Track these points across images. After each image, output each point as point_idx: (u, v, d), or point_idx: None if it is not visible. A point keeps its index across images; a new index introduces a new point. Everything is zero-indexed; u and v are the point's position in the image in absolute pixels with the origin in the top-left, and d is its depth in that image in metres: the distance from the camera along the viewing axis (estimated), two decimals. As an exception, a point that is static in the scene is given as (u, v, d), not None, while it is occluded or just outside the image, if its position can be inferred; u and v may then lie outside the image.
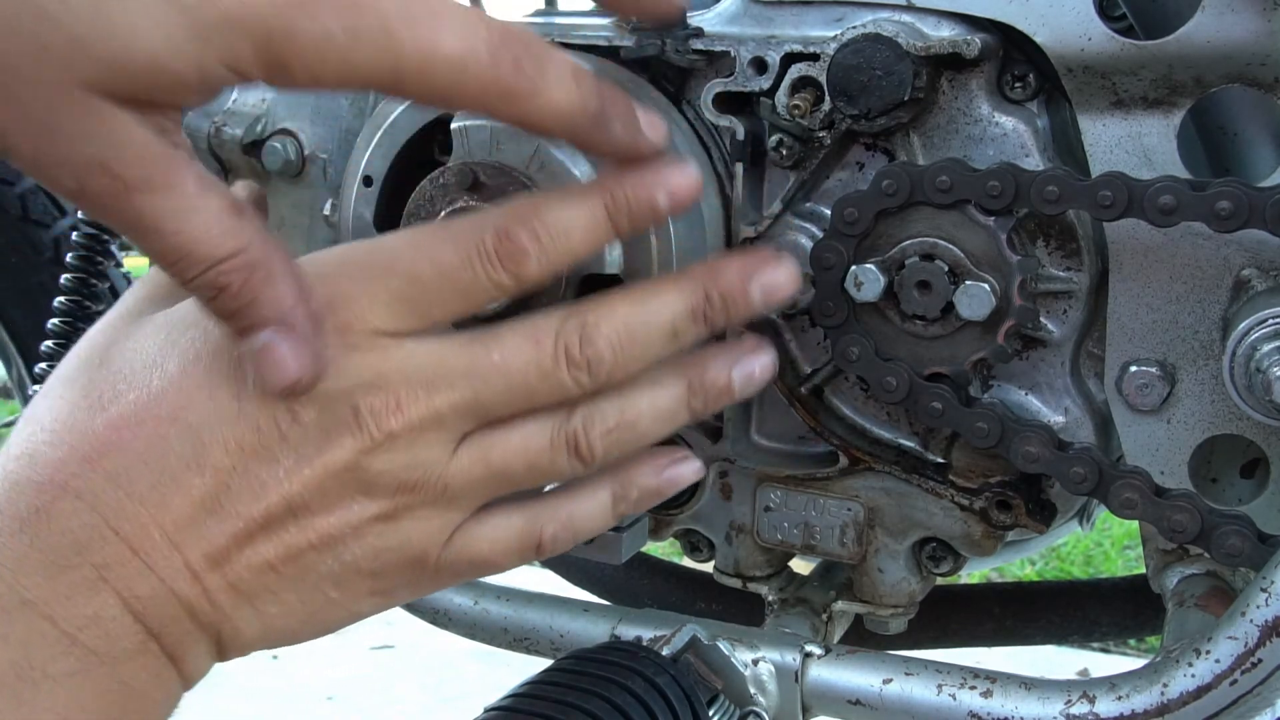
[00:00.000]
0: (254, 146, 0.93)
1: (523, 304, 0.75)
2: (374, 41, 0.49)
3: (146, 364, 0.55)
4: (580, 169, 0.74)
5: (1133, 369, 0.74)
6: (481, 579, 0.96)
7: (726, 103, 0.78)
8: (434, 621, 0.97)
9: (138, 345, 0.56)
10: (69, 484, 0.52)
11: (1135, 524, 0.75)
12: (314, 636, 0.60)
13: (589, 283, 0.76)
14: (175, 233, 0.51)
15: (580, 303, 0.59)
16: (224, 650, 0.57)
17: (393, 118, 0.78)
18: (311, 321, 0.54)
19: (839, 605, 0.87)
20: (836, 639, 0.91)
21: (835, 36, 0.74)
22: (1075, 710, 0.72)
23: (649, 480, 0.63)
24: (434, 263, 0.56)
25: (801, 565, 0.93)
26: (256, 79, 0.50)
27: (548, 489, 0.63)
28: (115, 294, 1.69)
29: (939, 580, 0.86)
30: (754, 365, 0.63)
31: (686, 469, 0.64)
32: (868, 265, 0.74)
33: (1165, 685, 0.69)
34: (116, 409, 0.54)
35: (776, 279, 0.62)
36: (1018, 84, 0.75)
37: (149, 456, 0.53)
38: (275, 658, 2.57)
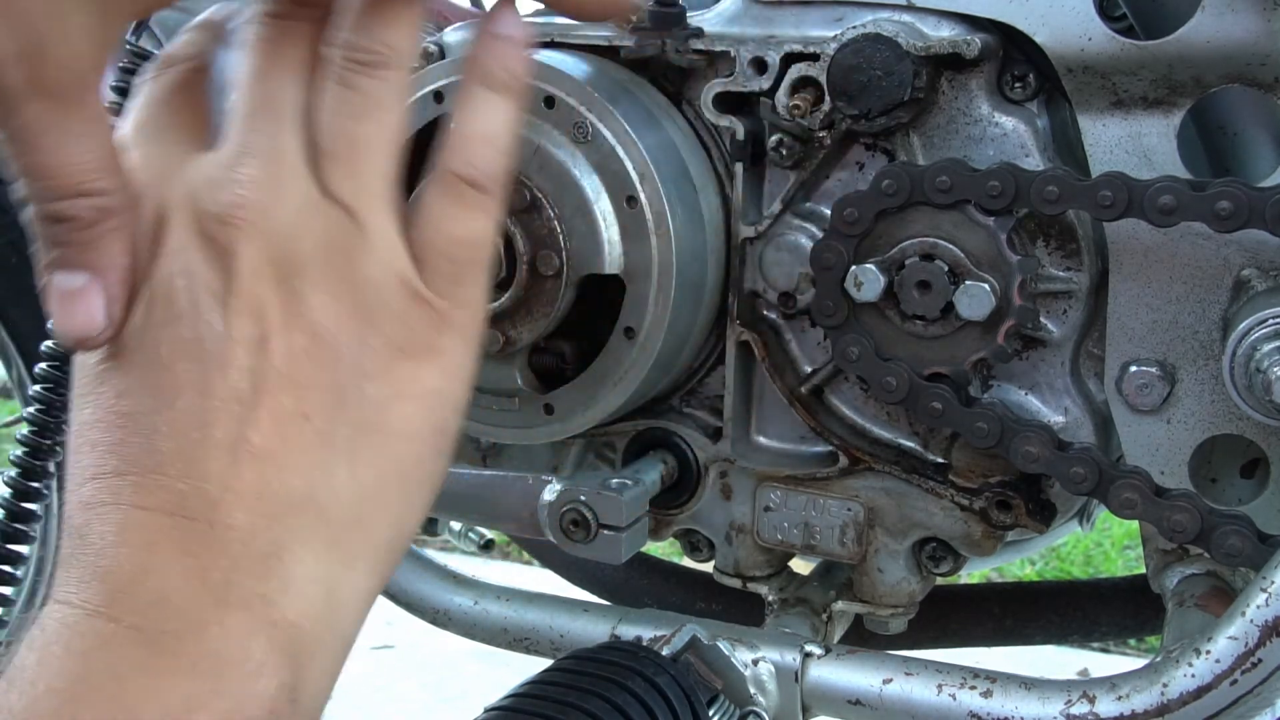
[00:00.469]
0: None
1: (522, 303, 0.75)
2: None
3: (81, 395, 0.54)
4: (579, 168, 0.74)
5: (1133, 369, 0.74)
6: (481, 580, 0.96)
7: (726, 103, 0.78)
8: (434, 621, 0.97)
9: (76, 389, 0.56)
10: (88, 502, 0.51)
11: (1135, 524, 0.75)
12: (423, 464, 0.55)
13: (589, 283, 0.76)
14: (57, 150, 0.50)
15: None
16: (339, 543, 0.52)
17: (393, 118, 0.78)
18: (126, 288, 0.53)
19: (839, 605, 0.87)
20: (836, 639, 0.91)
21: (835, 36, 0.74)
22: (1075, 710, 0.72)
23: (498, 45, 0.60)
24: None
25: (801, 565, 0.93)
26: None
27: None
28: (115, 294, 1.69)
29: (939, 580, 0.86)
30: None
31: (508, 14, 0.60)
32: (868, 265, 0.74)
33: (1165, 685, 0.69)
34: (93, 433, 0.53)
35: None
36: (1018, 84, 0.75)
37: (124, 439, 0.51)
38: (275, 658, 2.57)
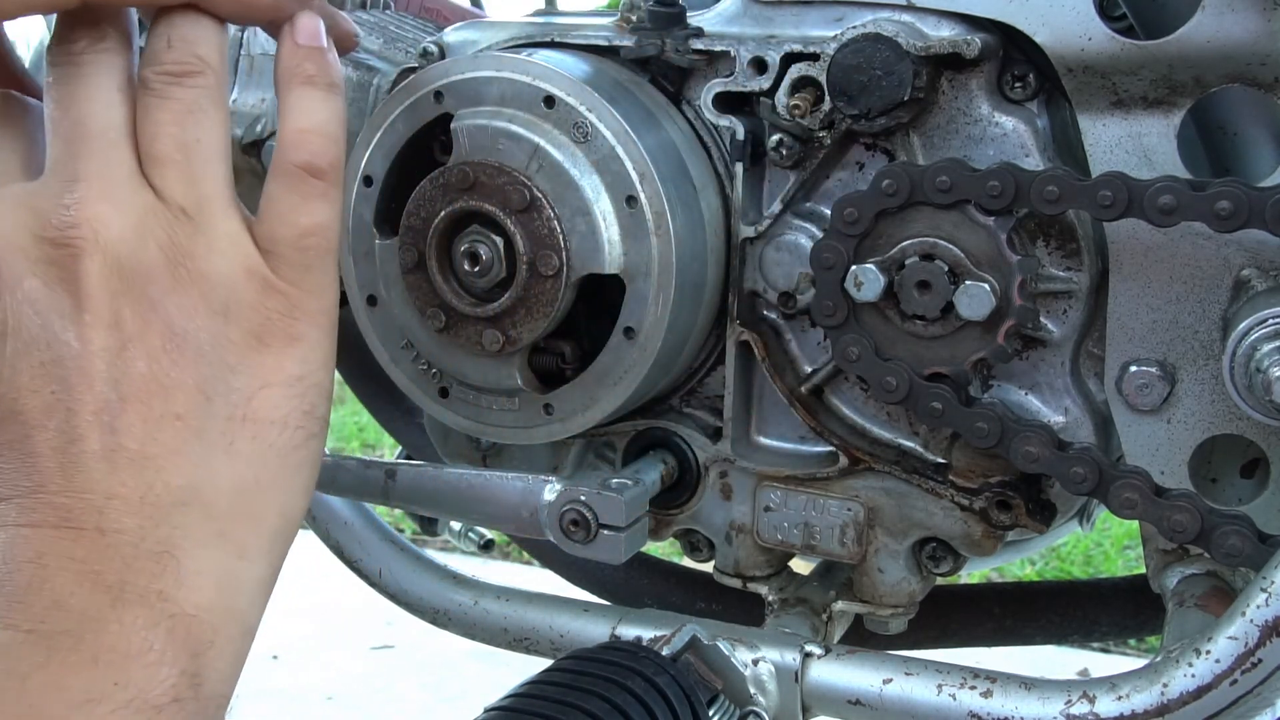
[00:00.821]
0: (254, 146, 0.93)
1: (522, 303, 0.75)
2: None
3: None
4: (579, 168, 0.74)
5: (1133, 369, 0.74)
6: (481, 580, 0.96)
7: (726, 103, 0.78)
8: (434, 621, 0.97)
9: None
10: None
11: (1135, 524, 0.75)
12: (300, 451, 0.57)
13: (589, 283, 0.76)
14: None
15: None
16: (229, 539, 0.54)
17: (392, 117, 0.78)
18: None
19: (839, 605, 0.87)
20: (836, 639, 0.91)
21: (835, 36, 0.74)
22: (1075, 710, 0.72)
23: (310, 51, 0.63)
24: None
25: (801, 565, 0.93)
26: None
27: None
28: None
29: (939, 580, 0.86)
30: None
31: (307, 19, 0.64)
32: (868, 265, 0.74)
33: (1165, 685, 0.69)
34: None
35: None
36: (1018, 84, 0.75)
37: (3, 462, 0.53)
38: (275, 658, 2.57)
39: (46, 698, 0.50)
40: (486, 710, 0.69)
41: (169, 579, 0.52)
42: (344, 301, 0.79)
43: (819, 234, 0.78)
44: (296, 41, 0.62)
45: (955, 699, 0.75)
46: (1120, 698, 0.71)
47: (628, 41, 0.79)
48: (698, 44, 0.78)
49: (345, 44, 0.67)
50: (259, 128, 0.93)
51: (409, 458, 1.15)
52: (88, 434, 0.52)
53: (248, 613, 0.55)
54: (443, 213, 0.75)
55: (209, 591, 0.54)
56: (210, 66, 0.59)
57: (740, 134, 0.78)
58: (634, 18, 0.79)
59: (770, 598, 0.89)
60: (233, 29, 0.96)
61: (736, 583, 0.88)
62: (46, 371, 0.53)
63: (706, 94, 0.78)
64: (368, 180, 0.79)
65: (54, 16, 0.58)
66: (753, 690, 0.77)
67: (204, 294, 0.55)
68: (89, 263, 0.53)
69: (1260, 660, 0.67)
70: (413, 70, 0.82)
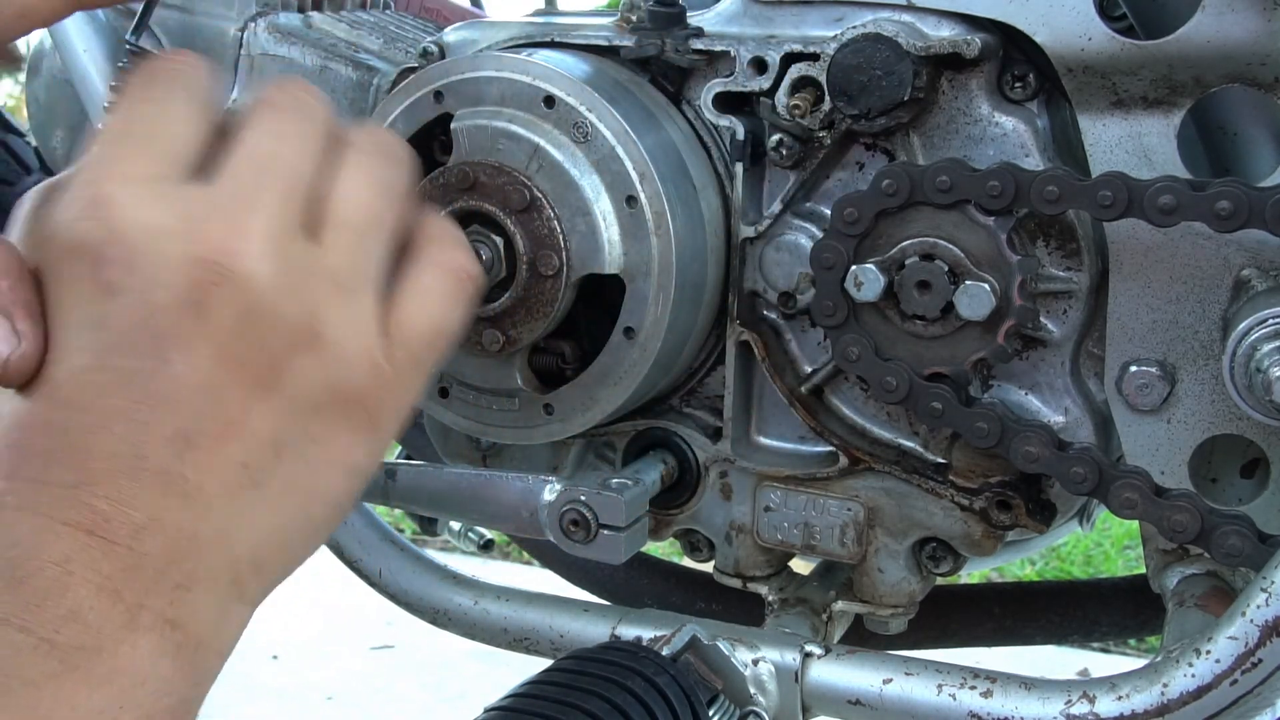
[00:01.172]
0: (254, 146, 0.93)
1: (522, 303, 0.75)
2: None
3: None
4: (579, 168, 0.74)
5: (1133, 369, 0.74)
6: (481, 580, 0.96)
7: (726, 103, 0.78)
8: (434, 621, 0.97)
9: None
10: (4, 500, 0.51)
11: (1135, 524, 0.75)
12: (329, 519, 0.57)
13: (589, 283, 0.76)
14: None
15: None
16: (241, 583, 0.54)
17: (392, 118, 0.78)
18: (23, 306, 0.53)
19: (839, 605, 0.87)
20: (836, 639, 0.91)
21: (835, 36, 0.74)
22: (1075, 710, 0.72)
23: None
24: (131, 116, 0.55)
25: (801, 565, 0.93)
26: None
27: None
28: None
29: (939, 580, 0.86)
30: None
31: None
32: (868, 265, 0.74)
33: (1165, 685, 0.69)
34: (4, 425, 0.53)
35: None
36: (1018, 84, 0.75)
37: (53, 446, 0.52)
38: (275, 658, 2.57)
39: (58, 711, 0.49)
40: (486, 710, 0.69)
41: (184, 611, 0.52)
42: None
43: (819, 234, 0.78)
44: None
45: (955, 699, 0.75)
46: (1120, 698, 0.71)
47: (628, 41, 0.79)
48: (698, 44, 0.78)
49: None
50: (259, 128, 0.93)
51: (409, 458, 1.15)
52: (152, 454, 0.51)
53: (229, 648, 0.56)
54: (443, 212, 0.75)
55: (211, 627, 0.54)
56: (411, 166, 0.60)
57: (740, 134, 0.78)
58: (634, 18, 0.79)
59: (770, 598, 0.89)
60: (233, 28, 0.96)
61: (736, 583, 0.88)
62: (133, 381, 0.52)
63: (706, 94, 0.78)
64: (368, 180, 0.79)
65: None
66: (753, 690, 0.77)
67: (320, 363, 0.54)
68: (227, 294, 0.52)
69: (1260, 660, 0.67)
70: (413, 70, 0.82)
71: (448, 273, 0.59)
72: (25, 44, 1.22)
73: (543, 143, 0.74)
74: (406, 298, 0.58)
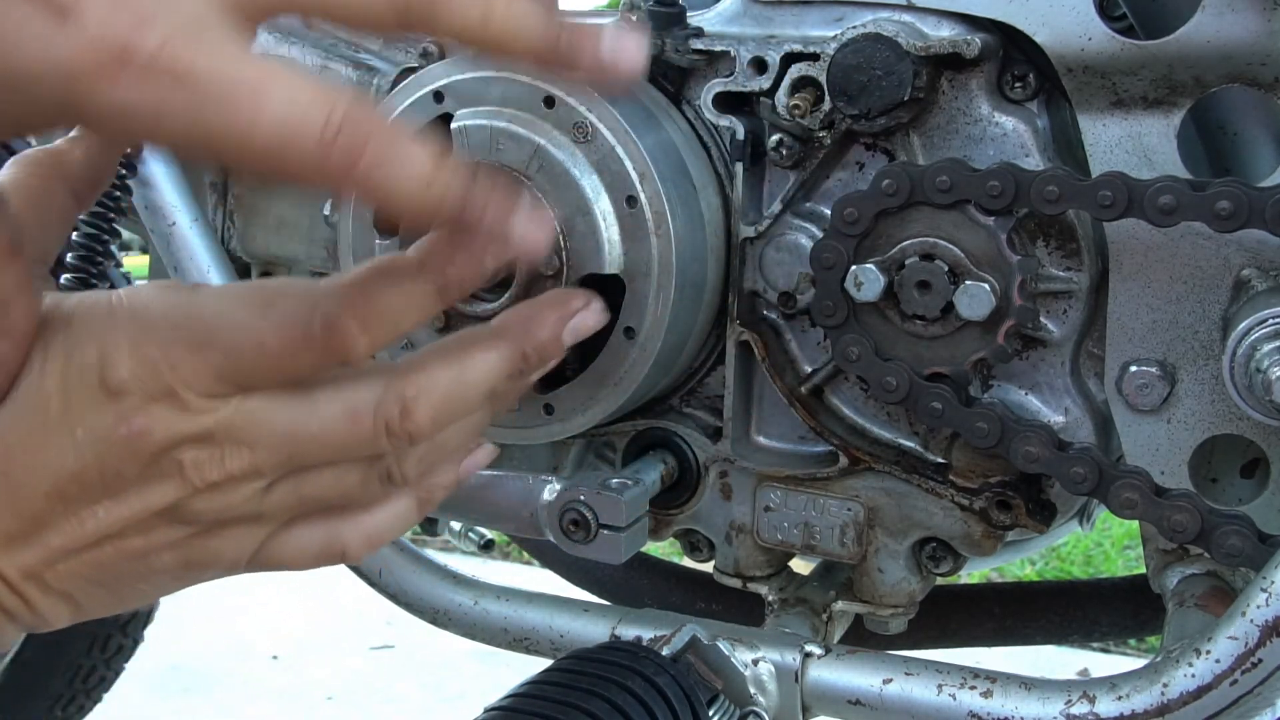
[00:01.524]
0: (254, 146, 0.93)
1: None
2: (182, 119, 0.48)
3: None
4: (579, 168, 0.74)
5: (1133, 369, 0.74)
6: (481, 580, 0.96)
7: (726, 103, 0.78)
8: (434, 621, 0.97)
9: None
10: None
11: (1135, 524, 0.75)
12: (118, 611, 0.62)
13: (589, 283, 0.76)
14: (282, 105, 0.49)
15: (401, 370, 0.58)
16: (31, 625, 0.59)
17: (392, 118, 0.78)
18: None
19: (839, 605, 0.87)
20: (836, 639, 0.91)
21: (835, 36, 0.74)
22: (1075, 710, 0.72)
23: (449, 479, 0.64)
24: (257, 345, 0.56)
25: (801, 565, 0.93)
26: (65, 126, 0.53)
27: None
28: (115, 294, 1.69)
29: (939, 580, 0.86)
30: (586, 320, 0.61)
31: (479, 457, 0.64)
32: (868, 265, 0.74)
33: (1165, 685, 0.69)
34: None
35: (586, 322, 0.61)
36: (1018, 84, 0.75)
37: None
38: (275, 658, 2.57)
39: None
40: (486, 710, 0.69)
41: None
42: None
43: (819, 234, 0.78)
44: (455, 476, 0.64)
45: (955, 699, 0.75)
46: (1120, 698, 0.71)
47: (628, 41, 0.79)
48: (698, 44, 0.78)
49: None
50: (259, 128, 0.93)
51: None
52: (37, 546, 0.56)
53: None
54: None
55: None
56: None
57: (740, 134, 0.78)
58: (634, 18, 0.79)
59: (770, 598, 0.89)
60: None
61: (736, 583, 0.88)
62: (67, 500, 0.55)
63: (706, 94, 0.78)
64: (368, 180, 0.79)
65: None
66: (753, 690, 0.77)
67: (192, 549, 0.58)
68: (177, 492, 0.56)
69: (1260, 660, 0.67)
70: (413, 70, 0.82)
71: (332, 547, 0.62)
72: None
73: (543, 143, 0.74)
74: (290, 542, 0.61)
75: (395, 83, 0.85)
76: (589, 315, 0.61)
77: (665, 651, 0.75)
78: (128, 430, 0.55)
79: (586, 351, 0.80)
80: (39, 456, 0.55)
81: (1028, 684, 0.74)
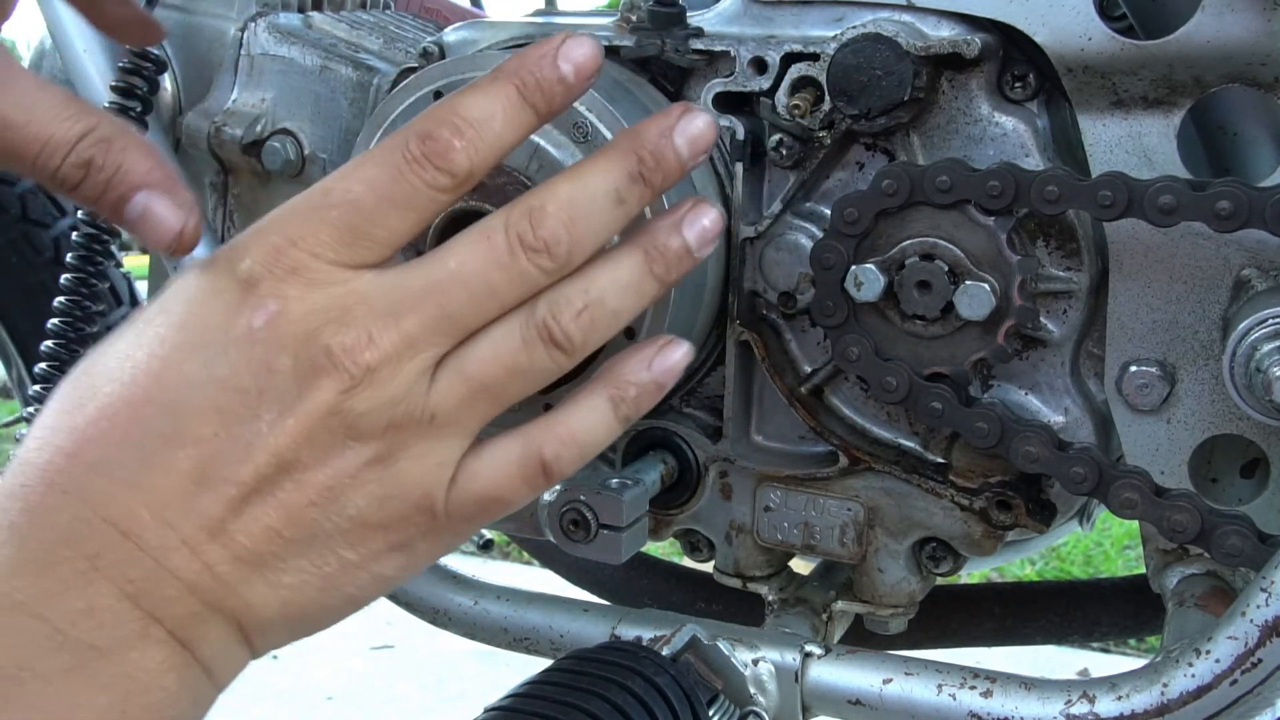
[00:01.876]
0: (254, 146, 0.93)
1: None
2: None
3: (119, 359, 0.55)
4: (580, 169, 0.74)
5: (1133, 369, 0.74)
6: (481, 580, 0.96)
7: (726, 102, 0.78)
8: (434, 621, 0.97)
9: (111, 348, 0.56)
10: (54, 481, 0.52)
11: (1135, 524, 0.75)
12: (343, 609, 0.58)
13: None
14: (26, 123, 0.56)
15: (520, 195, 0.58)
16: (247, 633, 0.56)
17: (392, 117, 0.78)
18: (172, 179, 0.59)
19: (839, 605, 0.87)
20: (836, 639, 0.91)
21: (835, 36, 0.74)
22: (1075, 710, 0.72)
23: (641, 374, 0.60)
24: (366, 182, 0.55)
25: (801, 565, 0.93)
26: None
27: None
28: (115, 294, 1.69)
29: (939, 580, 0.86)
30: (703, 220, 0.61)
31: (675, 352, 0.61)
32: (868, 265, 0.74)
33: (1165, 685, 0.69)
34: (94, 404, 0.53)
35: (695, 126, 0.60)
36: (1018, 84, 0.75)
37: (128, 441, 0.52)
38: (275, 657, 2.57)
39: (64, 708, 0.50)
40: (486, 710, 0.69)
41: (194, 633, 0.53)
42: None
43: (819, 234, 0.78)
44: (649, 364, 0.61)
45: (955, 699, 0.75)
46: (1120, 698, 0.71)
47: (628, 41, 0.79)
48: (698, 44, 0.78)
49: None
50: (259, 128, 0.93)
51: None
52: (213, 489, 0.53)
53: (223, 686, 0.57)
54: (442, 213, 0.75)
55: (216, 658, 0.55)
56: (582, 353, 0.59)
57: (740, 134, 0.78)
58: (634, 18, 0.79)
59: (770, 598, 0.89)
60: (233, 28, 0.96)
61: (736, 583, 0.88)
62: (224, 415, 0.53)
63: (706, 94, 0.78)
64: (368, 180, 0.79)
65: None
66: (753, 690, 0.77)
67: (380, 481, 0.55)
68: (332, 387, 0.53)
69: (1260, 660, 0.67)
70: (413, 70, 0.82)
71: (531, 457, 0.59)
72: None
73: (542, 142, 0.74)
74: (485, 459, 0.58)
75: (395, 83, 0.85)
76: (697, 122, 0.60)
77: (665, 651, 0.75)
78: (265, 315, 0.53)
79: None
80: (193, 371, 0.53)
81: (1028, 684, 0.74)
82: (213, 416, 0.53)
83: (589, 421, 0.60)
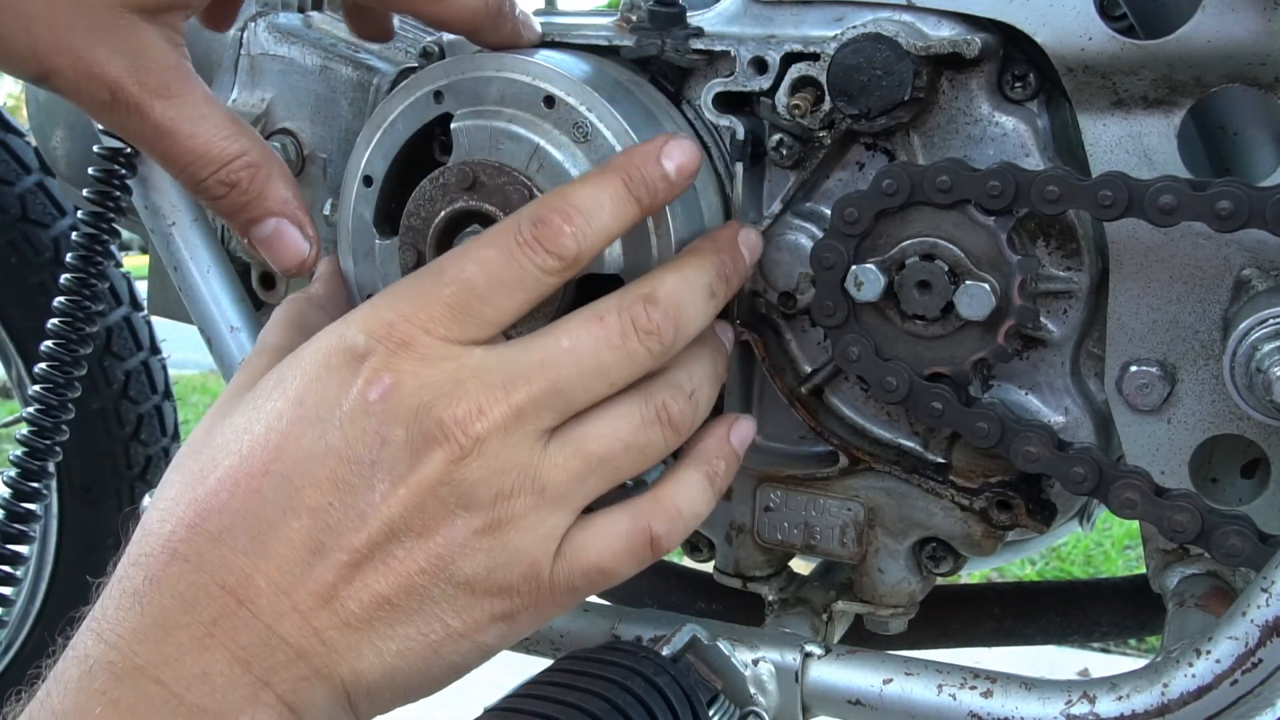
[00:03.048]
0: (254, 146, 0.93)
1: None
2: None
3: (238, 432, 0.57)
4: (579, 169, 0.74)
5: (1133, 369, 0.74)
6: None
7: (726, 102, 0.78)
8: (434, 621, 0.97)
9: (231, 420, 0.58)
10: (176, 550, 0.54)
11: (1135, 524, 0.75)
12: (445, 678, 0.60)
13: (588, 284, 0.76)
14: (190, 135, 0.60)
15: (629, 285, 0.62)
16: (352, 699, 0.57)
17: (392, 117, 0.78)
18: (303, 210, 0.65)
19: (839, 605, 0.87)
20: (836, 639, 0.91)
21: (835, 36, 0.74)
22: (1075, 710, 0.72)
23: (725, 448, 0.65)
24: (479, 262, 0.58)
25: (801, 565, 0.93)
26: None
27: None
28: (115, 294, 1.69)
29: (939, 580, 0.86)
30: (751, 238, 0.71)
31: (747, 425, 0.68)
32: (868, 265, 0.74)
33: (1165, 685, 0.69)
34: (215, 476, 0.55)
35: (752, 239, 0.69)
36: (1018, 84, 0.75)
37: (248, 511, 0.54)
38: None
39: None
40: (486, 710, 0.69)
41: (301, 699, 0.54)
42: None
43: (819, 234, 0.78)
44: (729, 438, 0.67)
45: (955, 699, 0.75)
46: (1120, 698, 0.71)
47: (628, 41, 0.79)
48: (698, 44, 0.78)
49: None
50: (259, 127, 0.93)
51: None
52: (326, 557, 0.54)
53: None
54: (443, 213, 0.75)
55: None
56: (687, 432, 0.66)
57: (740, 134, 0.78)
58: (634, 18, 0.79)
59: (770, 598, 0.89)
60: (233, 28, 0.96)
61: (736, 583, 0.88)
62: (339, 488, 0.55)
63: (706, 94, 0.78)
64: (367, 180, 0.79)
65: None
66: (753, 690, 0.77)
67: (490, 550, 0.57)
68: (444, 458, 0.55)
69: (1260, 660, 0.67)
70: (413, 70, 0.82)
71: (640, 532, 0.61)
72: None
73: (543, 143, 0.74)
74: (592, 532, 0.60)
75: (395, 83, 0.85)
76: (751, 234, 0.71)
77: (665, 651, 0.75)
78: (380, 388, 0.55)
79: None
80: (309, 444, 0.55)
81: (1028, 684, 0.74)
82: (328, 487, 0.55)
83: (690, 494, 0.64)
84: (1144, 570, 0.82)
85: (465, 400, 0.55)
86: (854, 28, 0.74)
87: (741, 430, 0.67)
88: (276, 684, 0.54)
